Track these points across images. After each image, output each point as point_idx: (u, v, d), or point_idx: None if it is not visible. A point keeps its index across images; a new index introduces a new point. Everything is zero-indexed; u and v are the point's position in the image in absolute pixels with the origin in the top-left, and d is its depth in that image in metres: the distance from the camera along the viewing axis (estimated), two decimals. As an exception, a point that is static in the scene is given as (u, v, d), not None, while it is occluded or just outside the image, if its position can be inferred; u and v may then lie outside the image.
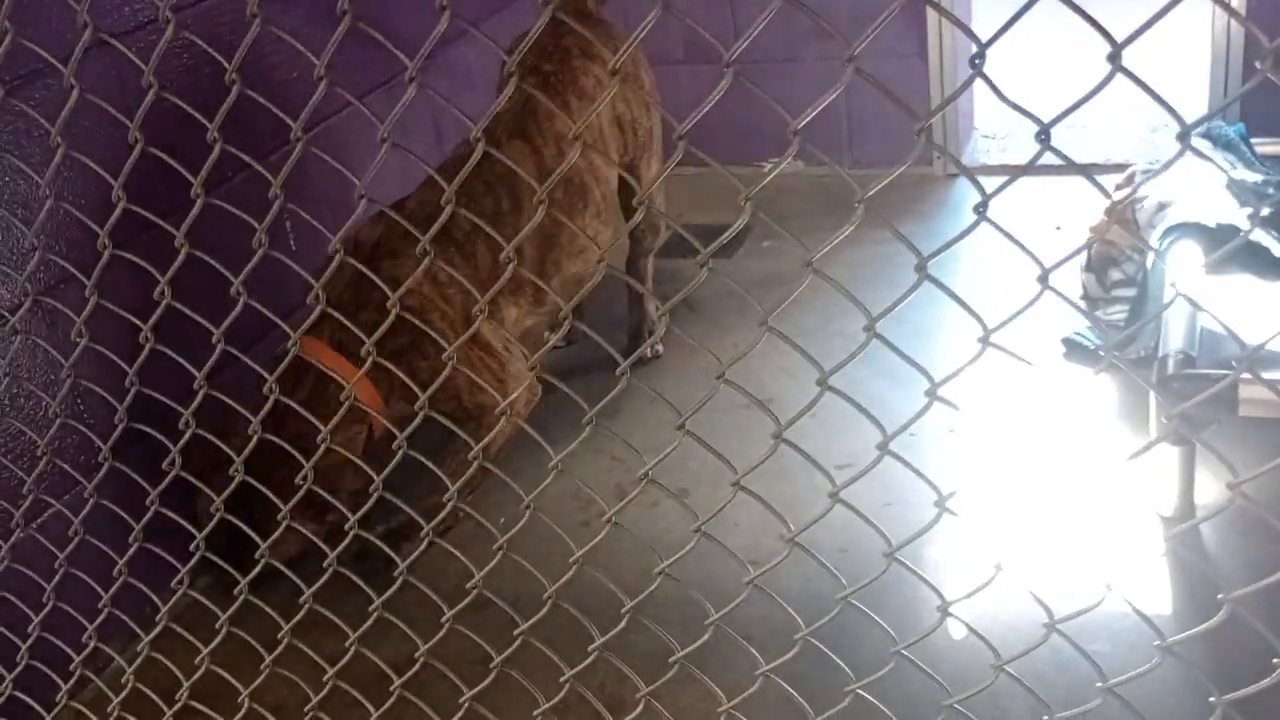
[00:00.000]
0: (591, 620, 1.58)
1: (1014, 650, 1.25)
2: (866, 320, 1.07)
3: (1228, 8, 0.88)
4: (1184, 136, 0.88)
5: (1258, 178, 3.17)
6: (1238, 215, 2.93)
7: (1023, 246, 0.99)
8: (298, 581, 1.68)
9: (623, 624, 1.46)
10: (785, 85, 4.19)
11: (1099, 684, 1.15)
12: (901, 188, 4.22)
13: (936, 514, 1.14)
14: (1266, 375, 2.50)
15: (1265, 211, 2.98)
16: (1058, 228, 3.68)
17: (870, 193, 1.00)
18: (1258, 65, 0.83)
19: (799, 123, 1.00)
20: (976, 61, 0.91)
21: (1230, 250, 2.60)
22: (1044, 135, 0.92)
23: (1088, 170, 0.92)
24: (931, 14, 4.10)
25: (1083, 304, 3.25)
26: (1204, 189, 3.05)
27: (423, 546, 1.54)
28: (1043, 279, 0.98)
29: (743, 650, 1.48)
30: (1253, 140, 3.34)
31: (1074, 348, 3.12)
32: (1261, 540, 2.40)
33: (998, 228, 0.99)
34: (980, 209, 0.97)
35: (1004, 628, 1.78)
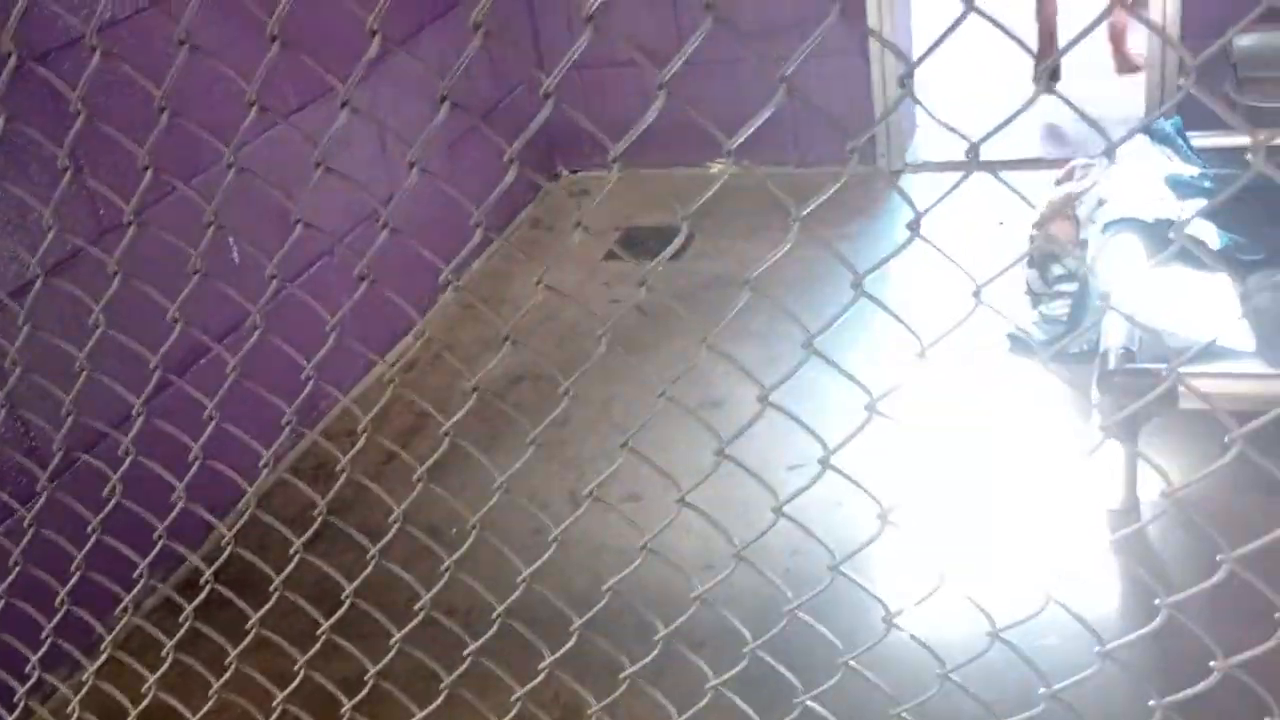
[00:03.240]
0: (546, 630, 1.57)
1: (963, 655, 1.26)
2: (804, 336, 1.07)
3: (1153, 26, 0.89)
4: (1109, 153, 0.89)
5: (1194, 171, 3.22)
6: (1175, 209, 2.98)
7: (956, 262, 1.00)
8: (244, 607, 1.67)
9: (572, 641, 1.46)
10: (730, 85, 4.19)
11: (1042, 689, 1.16)
12: (847, 186, 4.23)
13: (879, 527, 1.15)
14: (1206, 368, 2.53)
15: (1203, 204, 3.03)
16: (1000, 223, 3.72)
17: (806, 211, 1.00)
18: (1180, 84, 0.84)
19: (734, 142, 1.00)
20: (906, 82, 0.92)
21: (1172, 247, 2.64)
22: (973, 153, 0.92)
23: (1017, 190, 0.93)
24: (872, 12, 4.13)
25: (1026, 298, 3.29)
26: (1142, 183, 3.09)
27: (371, 566, 1.53)
28: (976, 294, 0.99)
29: (696, 660, 1.49)
30: (1189, 134, 3.39)
31: (1018, 342, 3.15)
32: (1201, 523, 2.45)
33: (932, 245, 1.00)
34: (913, 226, 0.98)
35: (952, 632, 1.80)
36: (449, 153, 4.02)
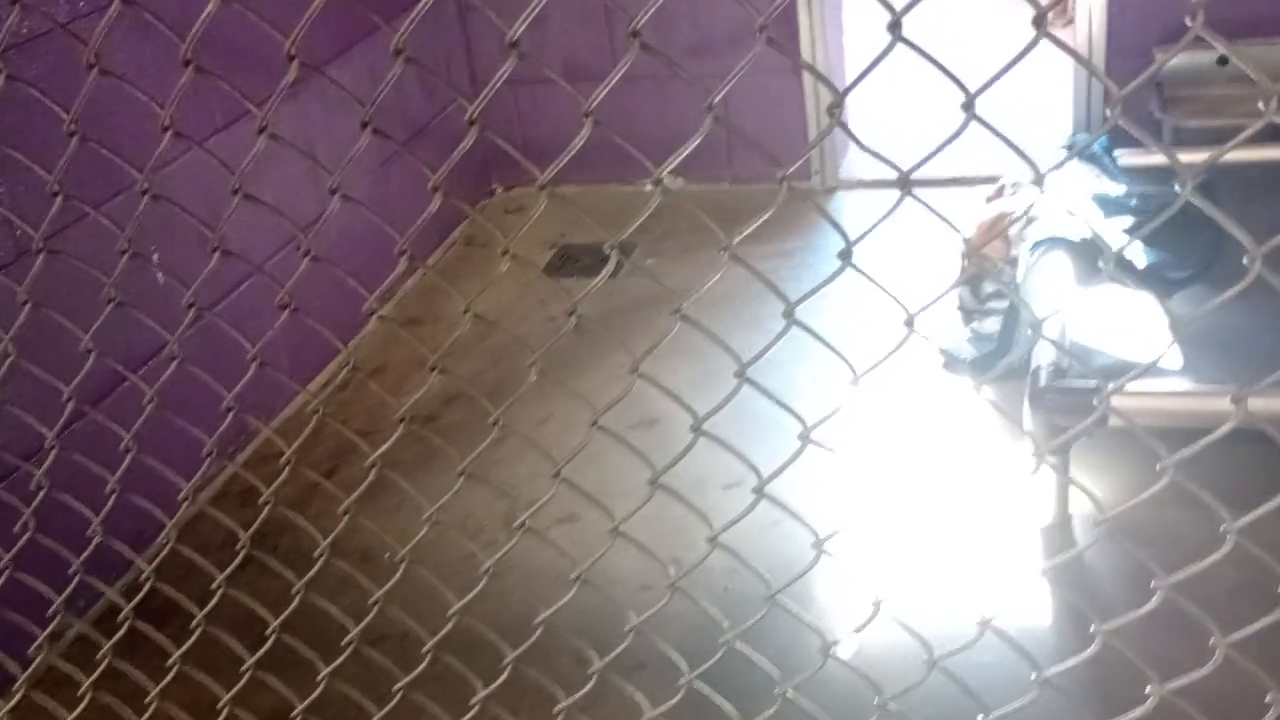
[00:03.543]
0: (480, 660, 1.54)
1: (901, 678, 1.25)
2: (738, 365, 1.05)
3: (1078, 57, 0.89)
4: (1039, 180, 0.89)
5: (1121, 189, 3.27)
6: (1102, 227, 3.02)
7: (887, 291, 0.99)
8: (166, 641, 1.62)
9: (505, 675, 1.43)
10: (664, 101, 4.20)
11: (980, 716, 1.16)
12: (783, 202, 4.25)
13: (815, 556, 1.13)
14: (1134, 385, 2.58)
15: (1129, 221, 3.08)
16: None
17: (737, 240, 0.99)
18: (1107, 113, 0.84)
19: (663, 170, 0.98)
20: (834, 111, 0.91)
21: (1096, 263, 2.68)
22: (905, 184, 0.92)
23: (948, 219, 0.93)
24: (804, 31, 4.15)
25: (958, 315, 3.32)
26: (1070, 202, 3.13)
27: (297, 601, 1.49)
28: (909, 323, 0.98)
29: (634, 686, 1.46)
30: (1115, 152, 3.44)
31: (952, 359, 3.17)
32: (1133, 546, 2.47)
33: (863, 274, 0.99)
34: (844, 255, 0.97)
35: (890, 655, 1.80)
36: (381, 171, 3.97)
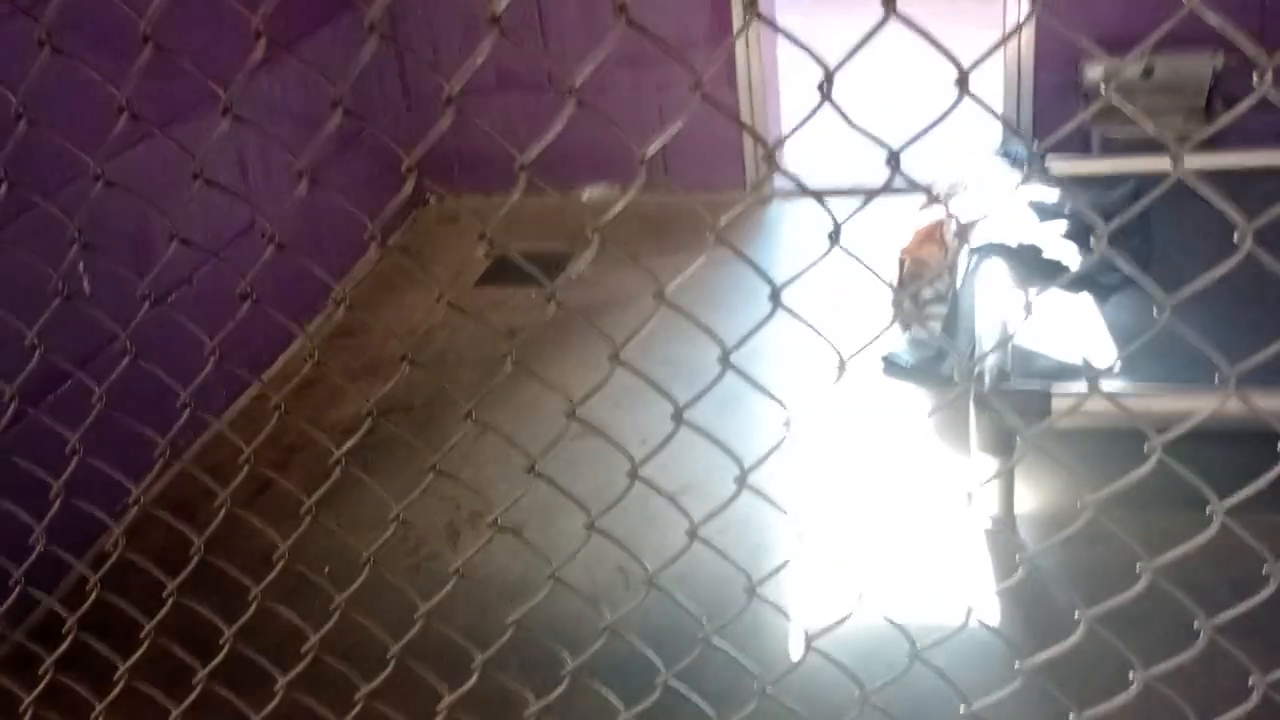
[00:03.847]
0: (435, 668, 1.50)
1: (880, 668, 1.24)
2: (720, 351, 1.04)
3: (1078, 41, 0.89)
4: (1038, 159, 0.88)
5: (1054, 195, 3.32)
6: (1038, 233, 3.06)
7: (875, 273, 0.98)
8: (108, 654, 1.55)
9: (474, 680, 1.39)
10: (595, 113, 4.18)
11: (962, 706, 1.15)
12: (718, 210, 4.25)
13: (796, 548, 1.12)
14: (1074, 388, 2.61)
15: (1063, 225, 3.13)
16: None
17: (724, 222, 0.97)
18: (1101, 91, 0.84)
19: (648, 151, 0.96)
20: (824, 88, 0.89)
21: (1037, 269, 2.72)
22: (894, 160, 0.91)
23: (930, 192, 0.92)
24: (739, 42, 4.17)
25: (895, 321, 3.34)
26: (1006, 207, 3.17)
27: (253, 608, 1.44)
28: (897, 303, 0.97)
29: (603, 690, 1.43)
30: (1047, 158, 3.50)
31: (891, 365, 3.19)
32: (1080, 544, 2.50)
33: (852, 255, 0.98)
34: (834, 236, 0.96)
35: (858, 651, 1.80)
36: (315, 177, 3.90)
